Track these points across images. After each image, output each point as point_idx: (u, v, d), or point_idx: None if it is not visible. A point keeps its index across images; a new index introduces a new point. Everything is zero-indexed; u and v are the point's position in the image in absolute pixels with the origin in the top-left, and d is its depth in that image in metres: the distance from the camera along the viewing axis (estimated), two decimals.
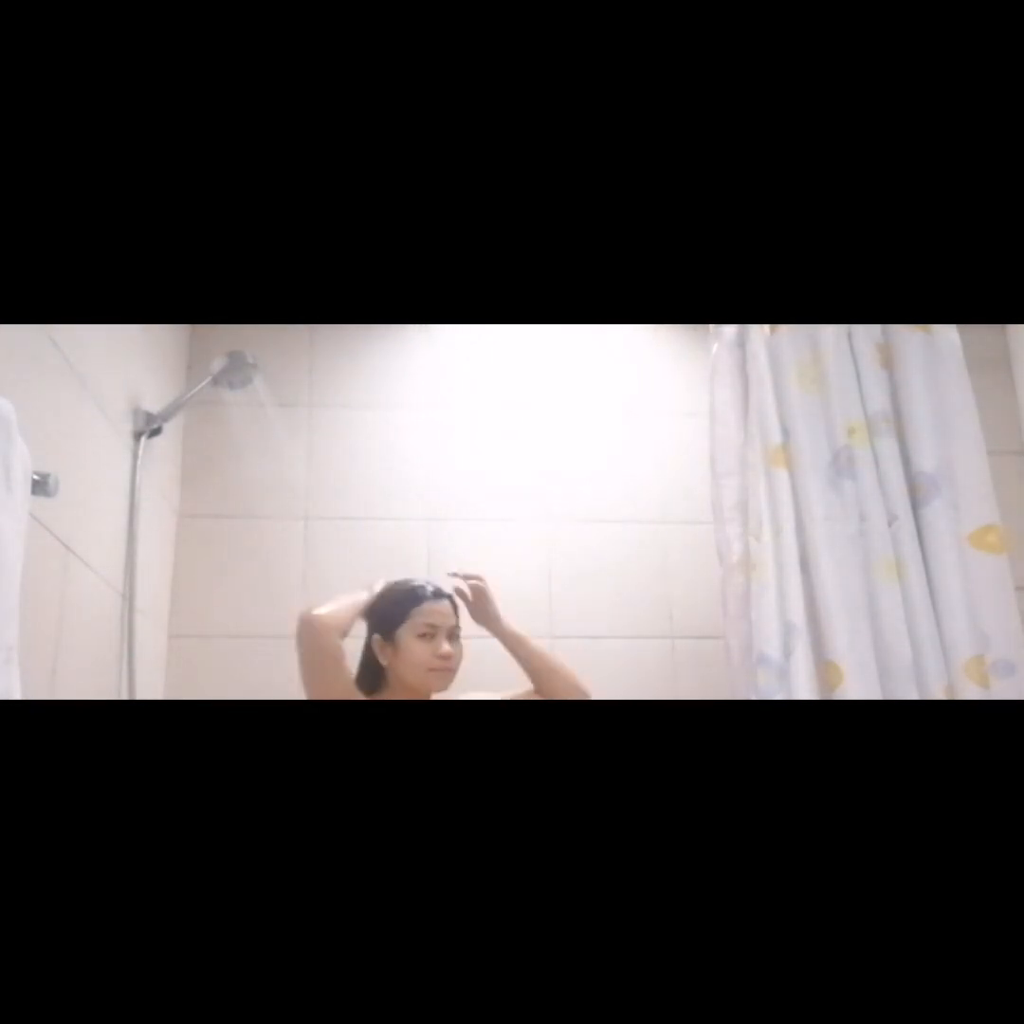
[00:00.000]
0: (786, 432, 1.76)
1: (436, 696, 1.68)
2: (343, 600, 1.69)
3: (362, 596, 1.72)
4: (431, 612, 1.66)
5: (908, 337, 1.82)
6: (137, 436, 1.97)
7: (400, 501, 2.39)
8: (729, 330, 1.89)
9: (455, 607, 1.72)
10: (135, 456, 1.95)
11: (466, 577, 1.76)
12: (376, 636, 1.69)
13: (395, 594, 1.70)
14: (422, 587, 1.69)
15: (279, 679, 2.21)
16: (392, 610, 1.67)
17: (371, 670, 1.70)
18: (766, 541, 1.70)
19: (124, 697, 1.84)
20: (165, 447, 2.18)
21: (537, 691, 1.74)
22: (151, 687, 2.07)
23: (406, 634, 1.65)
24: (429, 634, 1.65)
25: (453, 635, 1.68)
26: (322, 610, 1.63)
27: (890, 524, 1.70)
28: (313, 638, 1.61)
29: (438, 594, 1.70)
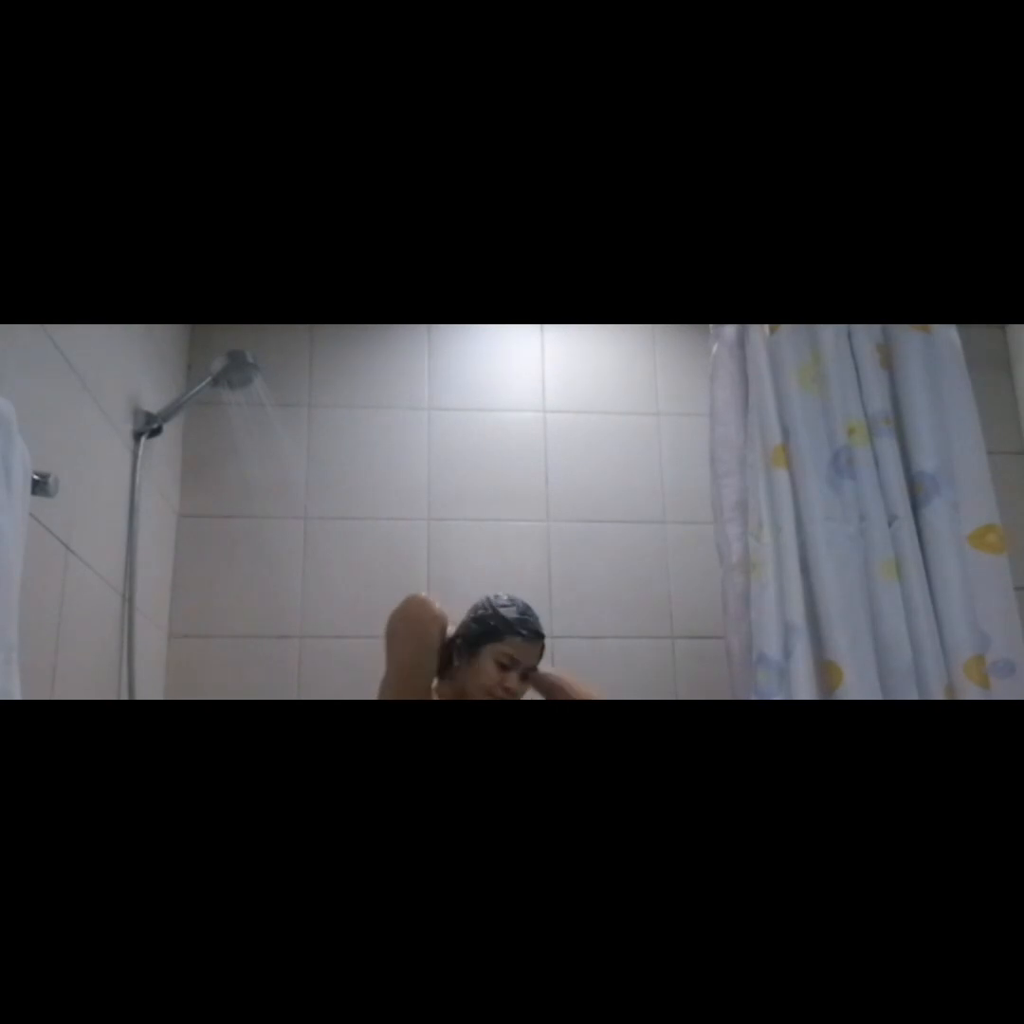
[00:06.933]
0: (786, 432, 1.75)
1: None
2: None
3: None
4: (521, 648, 1.69)
5: (908, 337, 1.81)
6: (137, 436, 1.96)
7: (400, 501, 2.39)
8: (729, 330, 1.89)
9: (542, 653, 1.74)
10: (135, 456, 1.95)
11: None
12: (460, 640, 1.72)
13: (503, 614, 1.72)
14: (526, 621, 1.71)
15: (279, 679, 2.22)
16: (491, 625, 1.70)
17: (445, 660, 1.74)
18: (766, 541, 1.69)
19: (124, 697, 1.84)
20: (165, 447, 2.18)
21: None
22: (151, 687, 2.07)
23: (488, 654, 1.68)
24: (507, 665, 1.68)
25: (526, 674, 1.71)
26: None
27: (890, 524, 1.70)
28: (423, 610, 1.69)
29: (536, 635, 1.72)
